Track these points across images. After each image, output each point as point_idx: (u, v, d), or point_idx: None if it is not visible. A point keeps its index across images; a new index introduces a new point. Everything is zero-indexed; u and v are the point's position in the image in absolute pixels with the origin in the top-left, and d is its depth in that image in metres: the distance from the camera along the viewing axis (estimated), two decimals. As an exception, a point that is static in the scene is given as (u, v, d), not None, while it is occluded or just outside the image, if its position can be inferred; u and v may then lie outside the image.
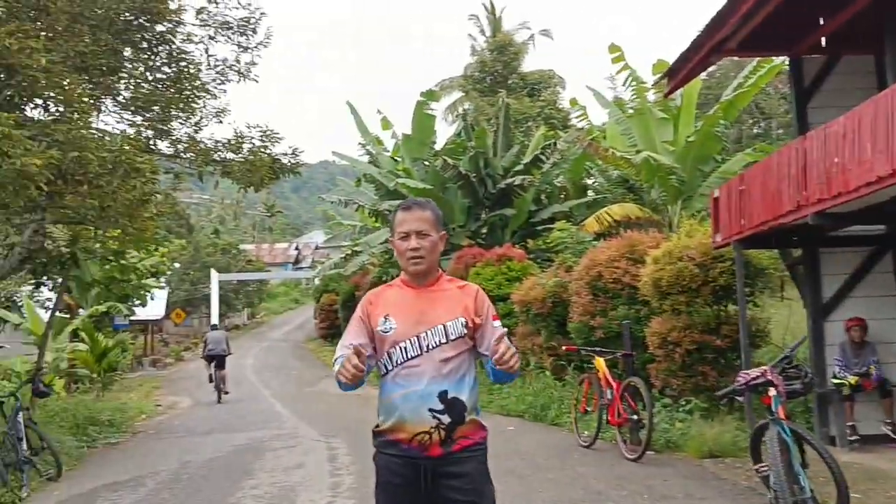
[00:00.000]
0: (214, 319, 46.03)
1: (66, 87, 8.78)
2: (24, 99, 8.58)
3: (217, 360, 19.76)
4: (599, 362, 9.20)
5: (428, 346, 3.02)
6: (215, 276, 45.90)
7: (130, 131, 11.27)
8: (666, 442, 8.80)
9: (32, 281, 20.35)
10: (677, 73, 9.76)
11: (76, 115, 8.94)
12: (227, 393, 19.68)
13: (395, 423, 3.00)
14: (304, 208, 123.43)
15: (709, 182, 16.32)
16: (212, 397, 19.77)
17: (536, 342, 13.67)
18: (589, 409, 9.56)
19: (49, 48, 9.07)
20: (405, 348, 3.02)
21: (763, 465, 5.13)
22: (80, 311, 26.70)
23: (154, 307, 36.81)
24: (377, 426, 3.11)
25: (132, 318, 32.14)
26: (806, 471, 5.12)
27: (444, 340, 3.03)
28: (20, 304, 24.65)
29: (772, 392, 5.01)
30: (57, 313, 27.13)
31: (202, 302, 49.58)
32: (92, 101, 11.06)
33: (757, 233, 8.52)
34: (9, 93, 8.31)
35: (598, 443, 9.19)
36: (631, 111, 18.02)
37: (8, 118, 7.46)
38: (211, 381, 19.92)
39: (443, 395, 2.98)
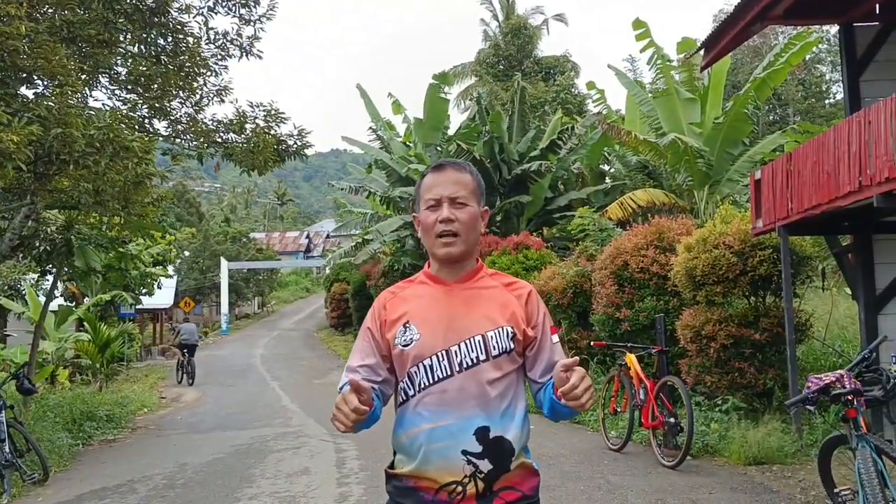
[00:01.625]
0: (224, 308, 45.81)
1: (51, 59, 8.04)
2: (6, 72, 7.85)
3: (189, 348, 22.25)
4: (631, 359, 8.43)
5: (462, 363, 2.20)
6: (225, 265, 45.50)
7: (124, 109, 10.56)
8: (704, 446, 8.05)
9: (38, 269, 19.79)
10: (715, 44, 8.94)
11: (62, 90, 8.19)
12: (193, 378, 21.83)
13: (417, 467, 2.19)
14: (316, 197, 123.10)
15: (737, 166, 15.53)
16: (218, 390, 20.14)
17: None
18: (619, 409, 8.80)
19: (33, 16, 8.38)
20: (431, 367, 2.21)
21: (844, 488, 4.37)
22: (87, 299, 26.19)
23: (162, 296, 36.42)
24: (391, 466, 2.30)
25: (139, 306, 31.68)
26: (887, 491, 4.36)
27: (483, 357, 2.21)
28: (24, 292, 24.16)
29: (855, 402, 4.24)
30: (62, 302, 26.77)
31: (212, 290, 49.25)
32: (84, 76, 10.40)
33: (806, 217, 7.73)
34: (-14, 63, 7.60)
35: (629, 445, 8.45)
36: (655, 91, 17.18)
37: (-19, 89, 6.74)
38: (179, 368, 22.37)
39: (482, 433, 2.16)
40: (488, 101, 27.66)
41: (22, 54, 7.77)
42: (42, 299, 23.78)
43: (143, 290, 28.49)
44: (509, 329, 2.24)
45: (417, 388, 2.23)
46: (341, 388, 2.20)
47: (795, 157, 7.94)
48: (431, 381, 2.21)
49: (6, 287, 25.90)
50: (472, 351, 2.21)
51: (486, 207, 2.42)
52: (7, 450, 8.08)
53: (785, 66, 14.68)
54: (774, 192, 8.26)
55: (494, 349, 2.21)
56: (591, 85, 22.19)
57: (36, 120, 7.75)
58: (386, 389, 2.31)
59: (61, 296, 27.56)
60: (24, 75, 8.28)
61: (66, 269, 13.38)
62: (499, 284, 2.36)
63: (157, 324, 41.81)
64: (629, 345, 8.93)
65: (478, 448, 2.15)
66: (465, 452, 2.14)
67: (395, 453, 2.31)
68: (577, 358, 2.08)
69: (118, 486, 8.17)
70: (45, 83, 8.59)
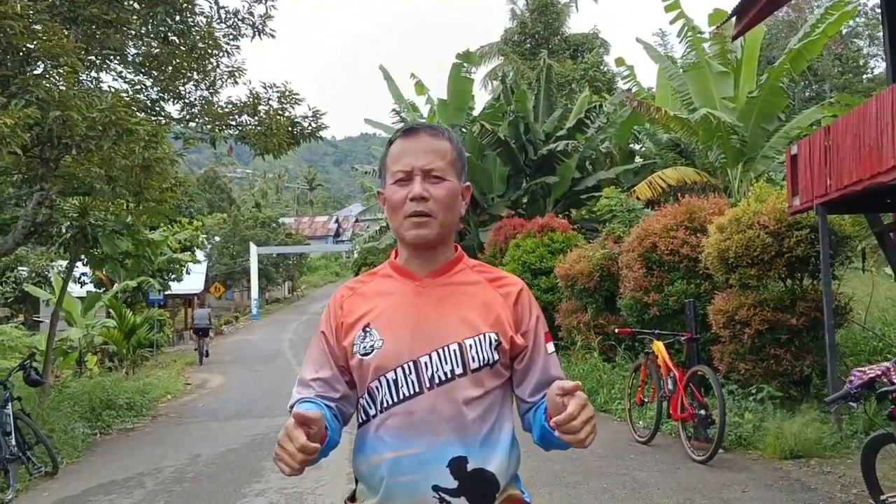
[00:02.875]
0: (255, 293, 45.97)
1: (51, 39, 7.74)
2: (2, 53, 7.56)
3: (201, 331, 25.43)
4: (659, 347, 7.98)
5: (433, 378, 1.79)
6: (254, 250, 45.58)
7: (130, 91, 10.27)
8: (737, 438, 7.60)
9: (67, 256, 19.84)
10: (748, 11, 8.41)
11: (62, 70, 7.90)
12: (207, 356, 25.10)
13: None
14: (346, 181, 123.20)
15: (773, 142, 14.89)
16: (244, 375, 20.25)
17: (582, 319, 12.49)
18: (646, 399, 8.36)
19: (31, -5, 8.09)
20: (395, 381, 1.80)
21: (892, 495, 3.93)
22: (116, 286, 26.24)
23: (193, 281, 36.59)
24: (352, 497, 1.93)
25: (169, 292, 31.80)
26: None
27: (459, 371, 1.79)
28: (52, 279, 24.26)
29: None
30: (91, 289, 26.88)
31: (242, 275, 49.43)
32: (91, 57, 10.13)
33: (846, 195, 7.23)
34: (-20, 44, 7.31)
35: (658, 437, 8.03)
36: (686, 65, 16.53)
37: (-29, 70, 6.45)
38: (196, 348, 25.44)
39: (457, 464, 1.75)
40: (514, 80, 27.09)
41: (18, 34, 7.47)
42: (68, 287, 23.86)
43: (171, 276, 28.54)
44: (493, 336, 1.82)
45: (379, 408, 1.82)
46: (291, 408, 1.82)
47: (834, 131, 7.42)
48: (396, 400, 1.80)
49: (34, 274, 26.06)
50: (446, 363, 1.79)
51: (468, 183, 1.97)
52: (13, 443, 7.86)
53: (821, 37, 13.98)
54: (812, 169, 7.76)
55: (474, 361, 1.79)
56: (619, 61, 21.58)
57: (35, 102, 7.46)
58: (346, 407, 1.91)
59: (90, 282, 27.71)
60: (22, 56, 7.98)
61: (82, 257, 13.18)
62: (482, 279, 1.92)
63: (188, 309, 42.06)
64: (656, 332, 8.46)
65: (452, 483, 1.74)
66: (436, 488, 1.74)
67: (356, 481, 1.93)
68: (577, 382, 1.64)
69: (126, 480, 7.94)
70: (45, 64, 8.28)
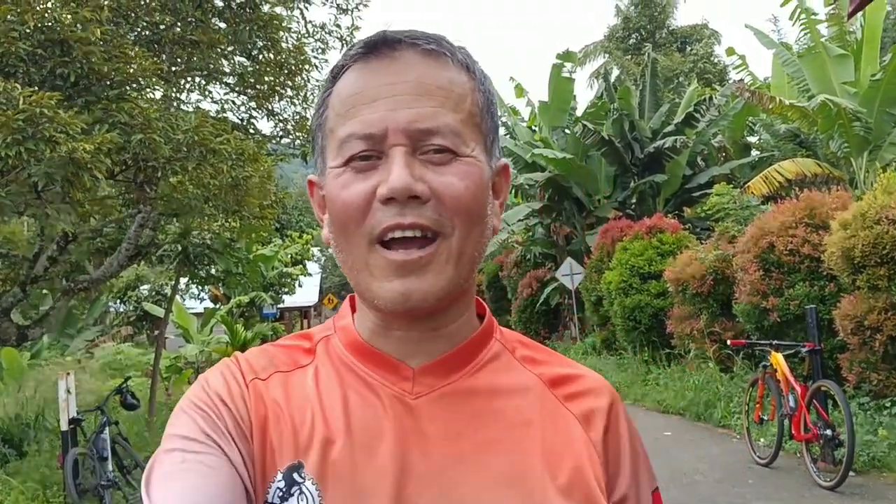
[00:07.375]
0: (367, 303, 46.74)
1: (130, 62, 7.74)
2: (84, 78, 7.59)
3: None
4: (777, 359, 7.25)
5: None
6: (364, 260, 46.25)
7: (215, 110, 10.29)
8: (870, 459, 6.81)
9: (186, 274, 20.40)
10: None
11: (143, 93, 7.89)
12: None
13: None
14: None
15: (901, 127, 13.64)
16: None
17: (696, 327, 11.72)
18: (765, 417, 7.63)
19: (114, 20, 8.12)
20: None
21: None
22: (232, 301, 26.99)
23: (306, 293, 37.38)
24: None
25: (284, 305, 32.54)
26: None
27: None
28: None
29: None
30: (209, 305, 27.70)
31: (355, 286, 50.34)
32: (181, 80, 10.20)
33: None
34: (64, 70, 7.33)
35: (780, 457, 7.29)
36: (801, 50, 15.42)
37: (50, 97, 6.43)
38: None
39: None
40: (619, 77, 26.20)
41: (101, 61, 7.49)
42: (187, 305, 24.68)
43: (284, 290, 29.13)
44: None
45: None
46: None
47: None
48: None
49: (154, 292, 27.07)
50: None
51: (504, 160, 0.95)
52: (110, 468, 7.87)
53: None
54: (949, 154, 6.89)
55: None
56: (730, 51, 20.55)
57: (118, 126, 7.46)
58: None
59: (208, 298, 28.61)
60: (108, 82, 8.01)
61: (187, 276, 13.42)
62: (535, 381, 0.92)
63: (305, 321, 43.02)
64: (774, 342, 7.71)
65: None
66: None
67: None
68: None
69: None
70: (126, 87, 8.30)
